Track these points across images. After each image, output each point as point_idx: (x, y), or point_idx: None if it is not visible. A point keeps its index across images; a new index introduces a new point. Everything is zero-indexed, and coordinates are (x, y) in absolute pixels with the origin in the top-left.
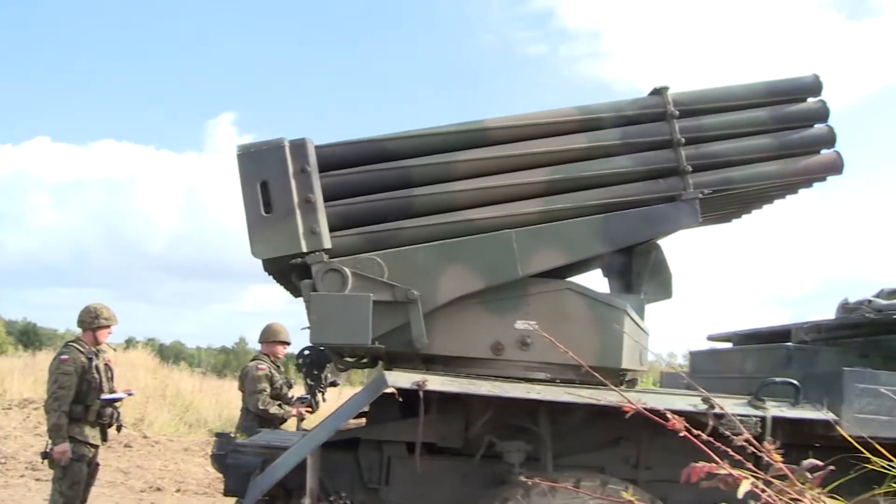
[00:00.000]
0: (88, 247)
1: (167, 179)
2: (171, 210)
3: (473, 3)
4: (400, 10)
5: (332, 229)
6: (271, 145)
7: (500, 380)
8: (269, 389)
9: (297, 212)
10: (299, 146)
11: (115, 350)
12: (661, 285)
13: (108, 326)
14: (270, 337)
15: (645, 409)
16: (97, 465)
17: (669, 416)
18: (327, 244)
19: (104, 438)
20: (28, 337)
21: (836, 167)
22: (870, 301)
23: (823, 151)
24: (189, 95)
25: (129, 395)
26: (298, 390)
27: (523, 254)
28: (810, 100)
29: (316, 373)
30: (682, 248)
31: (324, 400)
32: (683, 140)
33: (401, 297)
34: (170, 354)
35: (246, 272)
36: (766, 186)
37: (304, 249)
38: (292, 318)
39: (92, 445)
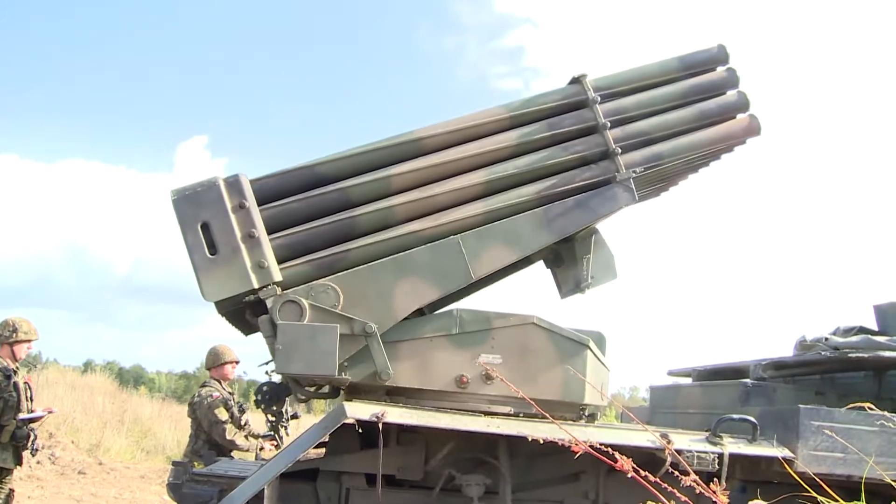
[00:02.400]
0: (52, 268)
1: (136, 200)
2: (138, 232)
3: (450, 38)
4: (378, 43)
5: (279, 261)
6: (205, 185)
7: (463, 413)
8: (227, 417)
9: (243, 248)
10: (234, 182)
11: (28, 369)
12: (606, 268)
13: (28, 341)
14: (217, 360)
15: (595, 448)
16: (12, 490)
17: (618, 457)
18: (277, 276)
19: (18, 462)
20: None
21: (754, 129)
22: (826, 339)
23: (739, 116)
24: (162, 117)
25: (50, 412)
26: (257, 419)
27: (472, 256)
28: (719, 69)
29: (275, 408)
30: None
31: (287, 434)
32: (608, 123)
33: (358, 330)
34: (129, 378)
35: None
36: (693, 157)
37: (256, 285)
38: (252, 346)
39: (3, 469)
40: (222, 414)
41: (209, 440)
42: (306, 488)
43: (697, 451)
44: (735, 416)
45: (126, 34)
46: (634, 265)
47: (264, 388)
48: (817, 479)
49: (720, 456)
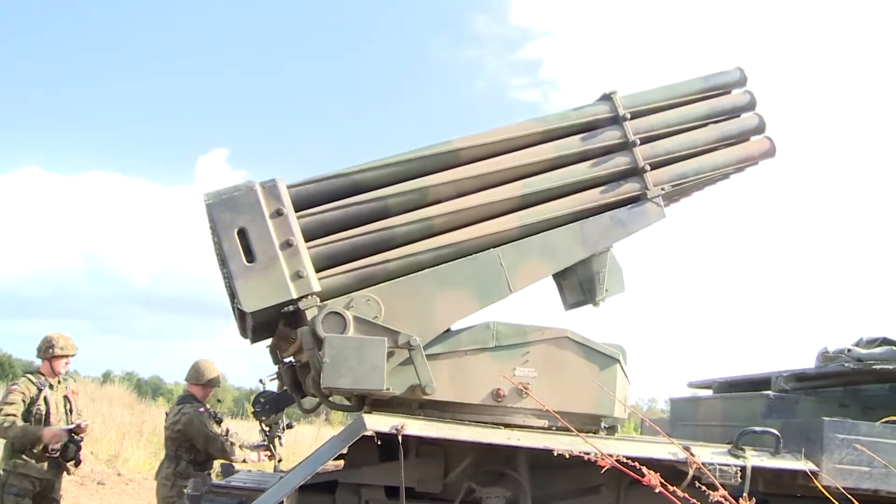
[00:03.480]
0: (72, 278)
1: (157, 213)
2: (158, 244)
3: (468, 50)
4: (396, 57)
5: (316, 270)
6: (242, 189)
7: (485, 426)
8: (220, 430)
9: (281, 257)
10: (272, 188)
11: (74, 380)
12: (617, 281)
13: (65, 356)
14: (203, 378)
15: (621, 462)
16: (53, 500)
17: (646, 471)
18: (316, 287)
19: (62, 472)
20: (2, 367)
21: (770, 152)
22: (849, 350)
23: (753, 138)
24: (183, 130)
25: (79, 426)
26: (242, 427)
27: (511, 270)
28: (735, 91)
29: (274, 417)
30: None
31: (281, 444)
32: (638, 141)
33: (402, 343)
34: (147, 389)
35: (227, 308)
36: (713, 176)
37: (294, 295)
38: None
39: (38, 479)
40: (215, 427)
41: (193, 460)
42: (325, 500)
43: (720, 464)
44: (757, 428)
45: (148, 49)
46: (653, 275)
47: (262, 399)
48: (846, 493)
49: (743, 469)
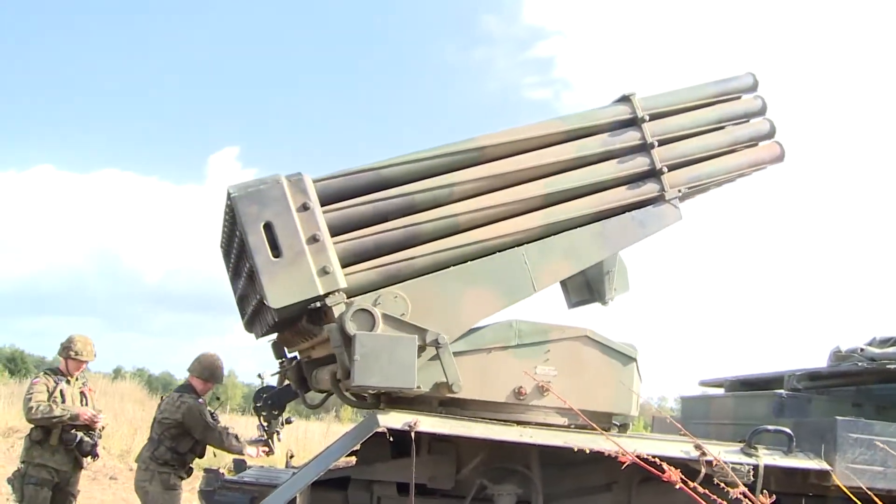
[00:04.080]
0: (85, 275)
1: (169, 211)
2: (170, 241)
3: (479, 50)
4: (407, 56)
5: (342, 266)
6: (269, 183)
7: (497, 423)
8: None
9: (307, 252)
10: (297, 181)
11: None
12: (623, 281)
13: (80, 361)
14: (206, 373)
15: (641, 458)
16: (70, 493)
17: (666, 467)
18: (343, 283)
19: (77, 466)
20: (15, 364)
21: (780, 157)
22: (862, 349)
23: (764, 142)
24: (195, 128)
25: (93, 421)
26: (238, 422)
27: (535, 269)
28: (745, 96)
29: (276, 413)
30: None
31: (279, 440)
32: (656, 143)
33: (430, 340)
34: (158, 385)
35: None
36: (725, 179)
37: (321, 291)
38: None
39: (56, 470)
40: (210, 419)
41: (174, 448)
42: (337, 497)
43: (732, 463)
44: (770, 427)
45: (160, 46)
46: (662, 274)
47: (263, 395)
48: (868, 492)
49: (755, 468)
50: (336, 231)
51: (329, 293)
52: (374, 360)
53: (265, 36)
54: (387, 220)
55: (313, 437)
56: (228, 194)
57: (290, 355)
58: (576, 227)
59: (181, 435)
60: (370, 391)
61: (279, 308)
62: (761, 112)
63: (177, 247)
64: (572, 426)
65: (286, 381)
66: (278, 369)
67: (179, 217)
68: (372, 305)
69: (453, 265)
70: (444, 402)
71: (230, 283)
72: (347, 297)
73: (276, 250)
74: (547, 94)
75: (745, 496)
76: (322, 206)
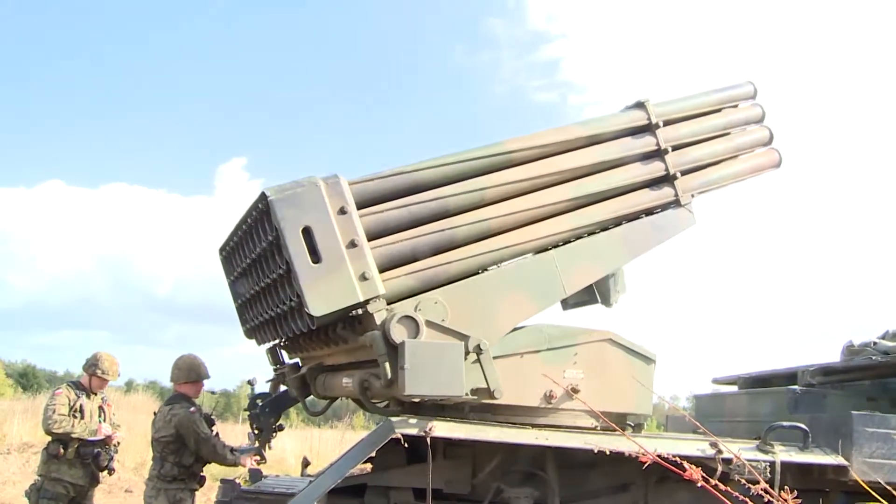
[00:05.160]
0: (95, 289)
1: (177, 223)
2: (179, 254)
3: (485, 53)
4: (414, 62)
5: (379, 271)
6: (306, 186)
7: (512, 426)
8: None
9: (347, 257)
10: (334, 184)
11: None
12: (622, 283)
13: (104, 379)
14: (194, 374)
15: (661, 458)
16: None
17: (687, 466)
18: (382, 289)
19: (93, 481)
20: (27, 379)
21: (777, 163)
22: (875, 343)
23: (761, 149)
24: (202, 140)
25: (109, 436)
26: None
27: (566, 273)
28: (747, 103)
29: (272, 420)
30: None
31: (270, 447)
32: (670, 148)
33: (472, 347)
34: None
35: None
36: (728, 184)
37: (361, 298)
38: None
39: (72, 485)
40: (206, 429)
41: (179, 462)
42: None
43: (749, 460)
44: (785, 423)
45: (164, 59)
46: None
47: (259, 402)
48: (873, 488)
49: (772, 464)
50: (372, 235)
51: (369, 300)
52: (423, 368)
53: (269, 44)
54: (421, 225)
55: (327, 446)
56: (264, 197)
57: (290, 361)
58: (600, 232)
59: (181, 448)
60: (417, 399)
61: (320, 316)
62: (760, 119)
63: (186, 258)
64: (597, 428)
65: (281, 388)
66: (273, 376)
67: (189, 229)
68: (414, 311)
69: (485, 270)
70: (475, 407)
71: (230, 288)
72: (387, 304)
73: (314, 255)
74: (553, 97)
75: (767, 492)
76: (357, 209)
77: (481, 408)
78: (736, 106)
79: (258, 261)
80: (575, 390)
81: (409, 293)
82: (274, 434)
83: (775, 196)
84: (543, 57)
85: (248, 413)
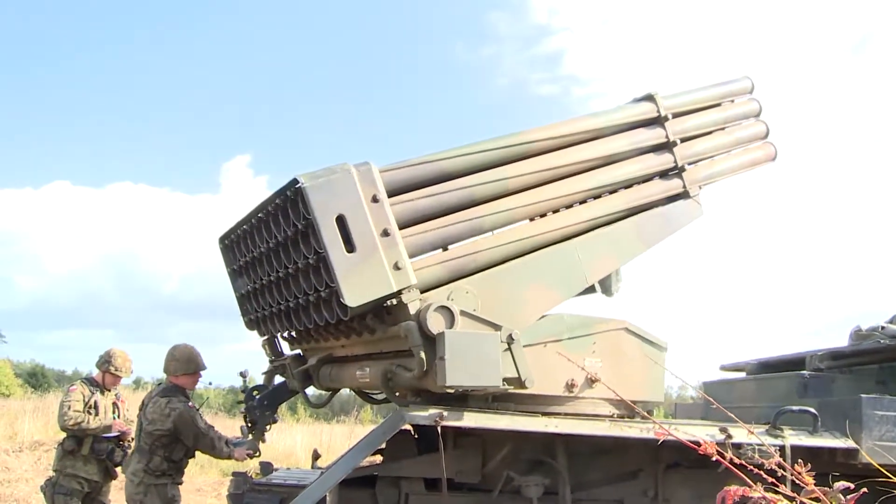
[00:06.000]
0: (101, 288)
1: (183, 221)
2: (185, 251)
3: (487, 48)
4: (416, 58)
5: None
6: (338, 172)
7: (522, 414)
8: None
9: (380, 246)
10: (366, 171)
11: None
12: (621, 274)
13: (117, 376)
14: (193, 366)
15: (677, 437)
16: (100, 502)
17: (702, 441)
18: (414, 279)
19: (108, 476)
20: (36, 378)
21: (773, 157)
22: (883, 327)
23: (757, 143)
24: (206, 138)
25: (123, 432)
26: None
27: (587, 263)
28: (745, 98)
29: (269, 413)
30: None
31: (264, 441)
32: (678, 141)
33: (505, 336)
34: None
35: None
36: (729, 177)
37: (395, 288)
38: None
39: (86, 480)
40: (203, 422)
41: (168, 457)
42: (365, 495)
43: (759, 445)
44: (795, 407)
45: (167, 58)
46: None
47: (255, 394)
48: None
49: (782, 448)
50: (403, 224)
51: (402, 290)
52: (462, 358)
53: (270, 41)
54: (449, 213)
55: (337, 439)
56: (294, 183)
57: (291, 352)
58: (616, 222)
59: (173, 443)
60: (451, 390)
61: (356, 307)
62: (758, 114)
63: (192, 256)
64: (615, 415)
65: (277, 379)
66: (269, 367)
67: (194, 226)
68: (448, 301)
69: (511, 259)
70: (498, 397)
71: (230, 278)
72: (421, 294)
73: (348, 245)
74: (556, 90)
75: (780, 466)
76: (388, 197)
77: (504, 397)
78: (733, 101)
79: (275, 250)
80: (594, 379)
81: (437, 283)
82: (268, 427)
83: (781, 186)
84: (545, 50)
85: (245, 406)
